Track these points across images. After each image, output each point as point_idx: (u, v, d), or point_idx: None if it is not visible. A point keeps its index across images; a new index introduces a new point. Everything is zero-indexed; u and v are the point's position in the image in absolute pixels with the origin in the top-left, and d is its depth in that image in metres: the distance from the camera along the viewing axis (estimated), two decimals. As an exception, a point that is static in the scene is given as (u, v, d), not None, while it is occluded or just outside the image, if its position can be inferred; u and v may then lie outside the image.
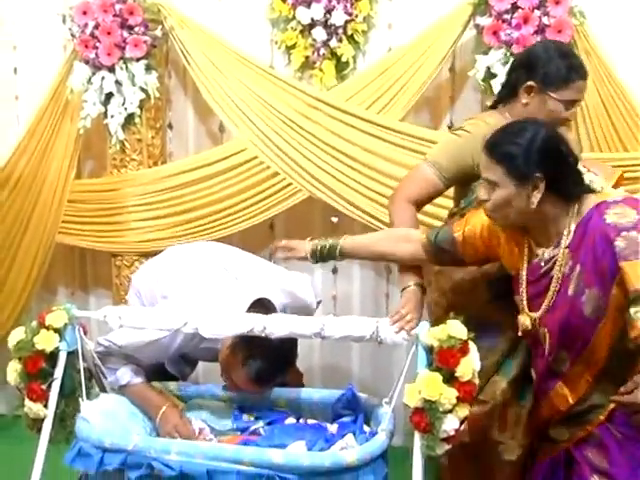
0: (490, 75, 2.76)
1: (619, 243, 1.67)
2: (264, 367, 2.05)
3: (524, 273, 1.88)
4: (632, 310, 1.64)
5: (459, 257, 2.03)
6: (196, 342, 2.15)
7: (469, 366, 1.79)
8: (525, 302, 1.88)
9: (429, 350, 1.83)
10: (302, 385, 2.43)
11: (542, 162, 1.74)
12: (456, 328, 1.82)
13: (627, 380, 1.65)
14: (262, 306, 2.11)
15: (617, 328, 1.72)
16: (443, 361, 1.78)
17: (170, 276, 2.41)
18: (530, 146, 1.75)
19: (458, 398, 1.78)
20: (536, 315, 1.85)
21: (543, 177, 1.74)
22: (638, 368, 1.66)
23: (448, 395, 1.76)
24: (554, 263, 1.81)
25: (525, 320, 1.88)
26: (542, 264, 1.84)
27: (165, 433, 2.13)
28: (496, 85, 2.73)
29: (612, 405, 1.76)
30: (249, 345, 2.02)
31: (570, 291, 1.77)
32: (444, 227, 2.13)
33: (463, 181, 2.20)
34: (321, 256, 2.17)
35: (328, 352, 3.26)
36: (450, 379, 1.78)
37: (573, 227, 1.78)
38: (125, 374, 2.20)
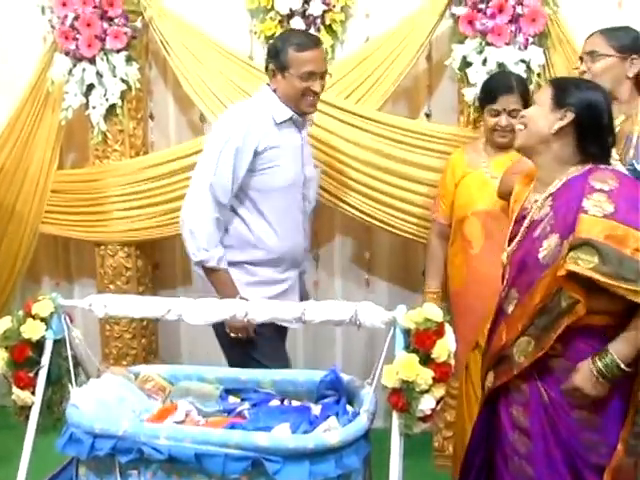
0: (466, 64, 2.81)
1: (586, 201, 1.78)
2: None
3: (515, 214, 2.01)
4: (569, 254, 1.75)
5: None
6: None
7: (445, 348, 1.85)
8: (507, 239, 2.00)
9: (407, 333, 1.89)
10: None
11: (583, 107, 1.88)
12: (432, 311, 1.88)
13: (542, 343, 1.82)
14: None
15: (555, 283, 1.80)
16: (419, 343, 1.84)
17: None
18: (584, 90, 1.92)
19: (434, 379, 1.83)
20: (508, 251, 1.98)
21: (574, 116, 1.87)
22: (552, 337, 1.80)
23: (424, 376, 1.82)
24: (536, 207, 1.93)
25: (503, 256, 2.00)
26: (528, 206, 1.97)
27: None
28: (472, 74, 2.79)
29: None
30: None
31: (535, 233, 1.89)
32: None
33: None
34: None
35: (311, 336, 3.32)
36: (426, 360, 1.84)
37: (564, 179, 1.89)
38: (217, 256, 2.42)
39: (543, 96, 1.95)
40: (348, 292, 3.26)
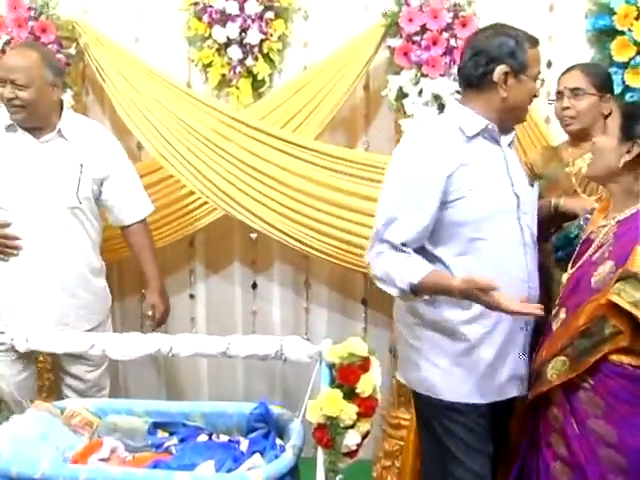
0: (402, 95, 2.84)
1: None
2: None
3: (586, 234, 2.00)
4: (616, 284, 1.74)
5: None
6: None
7: (369, 382, 1.86)
8: (571, 261, 1.98)
9: (332, 367, 1.88)
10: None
11: None
12: (357, 346, 1.87)
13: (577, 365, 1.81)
14: None
15: (601, 309, 1.79)
16: (344, 378, 1.84)
17: None
18: None
19: (359, 414, 1.83)
20: (569, 272, 1.96)
21: None
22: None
23: (348, 411, 1.81)
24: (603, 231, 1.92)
25: (563, 277, 1.98)
26: (595, 230, 1.95)
27: None
28: (408, 105, 2.81)
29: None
30: None
31: (594, 257, 1.88)
32: None
33: None
34: None
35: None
36: (351, 395, 1.84)
37: (634, 210, 1.86)
38: None
39: (612, 125, 1.89)
40: (287, 321, 3.24)
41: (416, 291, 1.86)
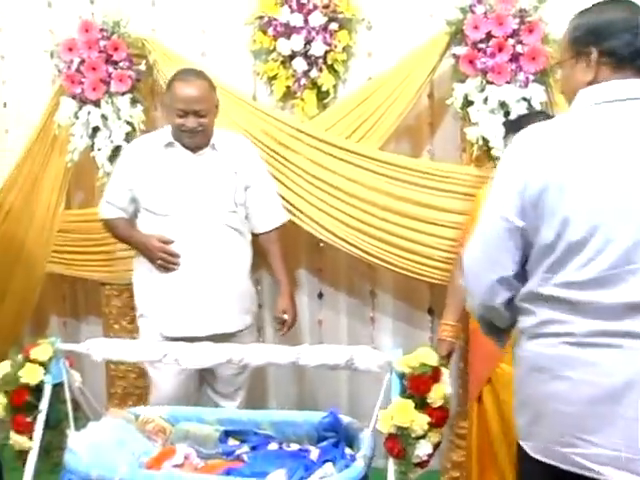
0: (468, 103, 2.82)
1: None
2: None
3: None
4: None
5: None
6: None
7: (441, 392, 1.84)
8: None
9: (402, 377, 1.88)
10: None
11: None
12: (428, 355, 1.87)
13: None
14: None
15: None
16: (414, 388, 1.84)
17: None
18: None
19: (430, 424, 1.82)
20: None
21: None
22: None
23: (420, 421, 1.80)
24: None
25: None
26: None
27: None
28: (473, 113, 2.79)
29: None
30: None
31: None
32: None
33: None
34: None
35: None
36: (422, 405, 1.83)
37: None
38: None
39: None
40: (352, 330, 3.25)
41: None
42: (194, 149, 2.67)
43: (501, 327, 1.71)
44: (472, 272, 1.65)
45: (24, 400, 2.05)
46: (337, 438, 2.17)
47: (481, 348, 2.56)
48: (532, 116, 2.55)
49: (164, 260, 2.64)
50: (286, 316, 2.78)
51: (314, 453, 2.13)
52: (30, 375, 2.05)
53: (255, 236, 2.81)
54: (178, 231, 2.64)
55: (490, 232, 1.60)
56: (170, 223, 2.64)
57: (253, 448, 2.21)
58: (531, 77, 2.75)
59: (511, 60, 2.75)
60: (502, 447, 2.55)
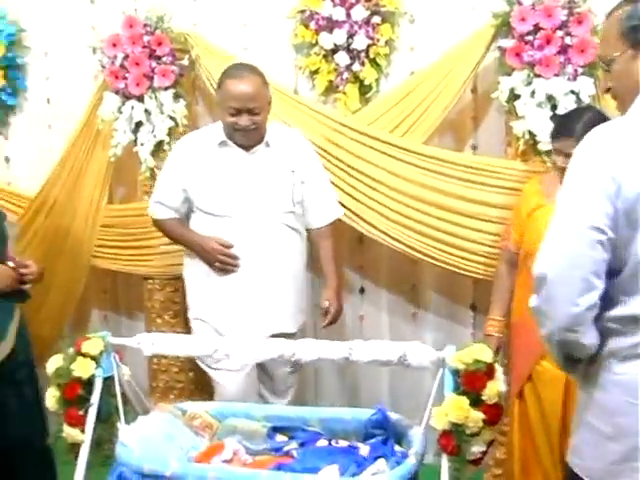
0: (514, 96, 2.78)
1: None
2: None
3: None
4: None
5: None
6: None
7: (495, 389, 1.82)
8: None
9: (456, 373, 1.86)
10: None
11: None
12: (482, 351, 1.84)
13: None
14: None
15: None
16: (469, 384, 1.81)
17: None
18: None
19: (485, 421, 1.80)
20: None
21: None
22: None
23: (474, 418, 1.78)
24: None
25: None
26: None
27: None
28: (520, 106, 2.75)
29: None
30: None
31: None
32: None
33: None
34: None
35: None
36: (477, 402, 1.81)
37: None
38: None
39: None
40: (394, 326, 3.23)
41: None
42: (247, 147, 2.63)
43: (580, 357, 1.53)
44: (556, 294, 1.43)
45: (76, 393, 2.06)
46: (385, 435, 2.16)
47: (522, 344, 2.54)
48: (581, 111, 2.52)
49: (223, 263, 2.61)
50: (328, 303, 2.71)
51: (364, 449, 2.11)
52: (82, 369, 2.06)
53: (307, 231, 2.78)
54: (236, 233, 2.60)
55: (577, 247, 1.38)
56: (228, 225, 2.61)
57: (301, 444, 2.20)
58: (579, 70, 2.71)
59: (559, 52, 2.71)
60: (544, 445, 2.53)
